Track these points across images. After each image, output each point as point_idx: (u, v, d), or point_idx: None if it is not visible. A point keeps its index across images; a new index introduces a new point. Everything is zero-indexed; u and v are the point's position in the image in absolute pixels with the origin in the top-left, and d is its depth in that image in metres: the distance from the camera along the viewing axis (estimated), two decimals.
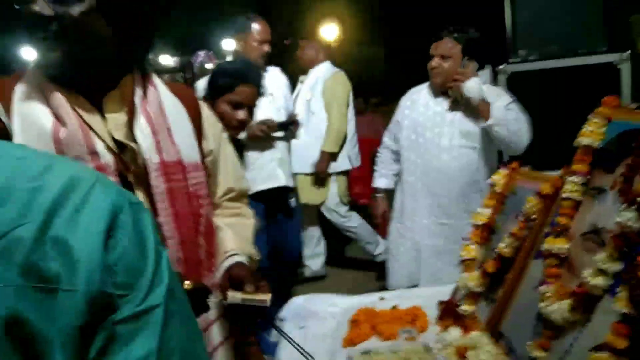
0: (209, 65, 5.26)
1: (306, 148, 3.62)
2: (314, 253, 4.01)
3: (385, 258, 2.77)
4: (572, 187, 1.26)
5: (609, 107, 1.27)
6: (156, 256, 0.57)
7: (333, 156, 3.76)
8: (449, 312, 1.58)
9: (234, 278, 1.13)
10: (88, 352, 0.52)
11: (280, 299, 1.84)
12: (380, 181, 2.79)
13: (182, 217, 1.06)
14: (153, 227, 0.59)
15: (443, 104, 2.50)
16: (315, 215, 3.98)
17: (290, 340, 1.21)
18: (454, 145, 2.46)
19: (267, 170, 2.94)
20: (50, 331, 0.49)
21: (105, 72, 1.00)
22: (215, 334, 1.15)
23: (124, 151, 1.01)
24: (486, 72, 2.88)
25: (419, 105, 2.58)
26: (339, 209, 3.90)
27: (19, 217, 0.50)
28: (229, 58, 3.16)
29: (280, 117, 3.03)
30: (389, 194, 2.81)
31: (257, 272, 1.18)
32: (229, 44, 6.75)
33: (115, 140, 1.01)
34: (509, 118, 2.35)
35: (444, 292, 1.71)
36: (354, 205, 4.22)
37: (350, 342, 1.56)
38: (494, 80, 3.05)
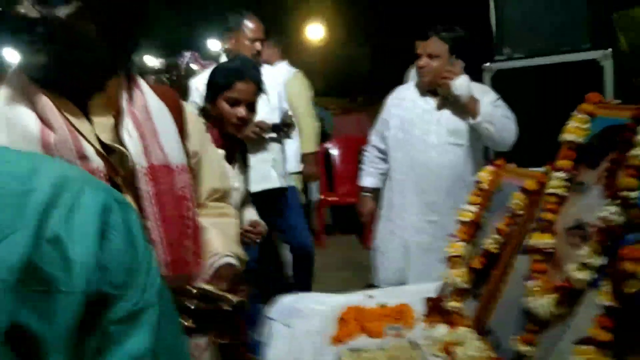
0: (195, 66, 5.23)
1: None
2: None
3: (374, 255, 2.77)
4: (556, 182, 1.27)
5: (592, 104, 1.28)
6: (147, 255, 0.58)
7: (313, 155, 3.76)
8: (435, 309, 1.58)
9: (221, 278, 1.12)
10: (84, 352, 0.52)
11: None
12: (367, 180, 2.80)
13: (170, 220, 1.06)
14: (140, 226, 0.59)
15: (430, 102, 2.52)
16: None
17: None
18: (441, 142, 2.47)
19: (260, 171, 2.87)
20: (48, 333, 0.49)
21: (91, 74, 0.99)
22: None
23: (111, 155, 1.01)
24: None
25: (407, 104, 2.60)
26: None
27: (12, 222, 0.49)
28: (223, 58, 3.08)
29: (274, 117, 2.99)
30: (376, 192, 2.82)
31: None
32: (214, 45, 6.73)
33: (102, 144, 1.00)
34: (497, 115, 2.38)
35: (431, 289, 1.72)
36: (341, 205, 4.23)
37: (338, 340, 1.56)
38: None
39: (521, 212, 1.42)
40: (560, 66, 2.90)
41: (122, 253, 0.55)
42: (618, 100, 1.27)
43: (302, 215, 3.20)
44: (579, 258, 1.07)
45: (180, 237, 1.08)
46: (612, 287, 0.97)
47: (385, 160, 2.70)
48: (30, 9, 0.89)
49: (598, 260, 1.04)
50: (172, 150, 1.08)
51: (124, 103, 1.03)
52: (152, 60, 7.98)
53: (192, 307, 0.96)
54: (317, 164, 3.74)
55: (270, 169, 2.95)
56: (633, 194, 1.00)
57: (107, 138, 1.00)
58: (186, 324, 0.95)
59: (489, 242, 1.48)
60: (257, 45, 2.98)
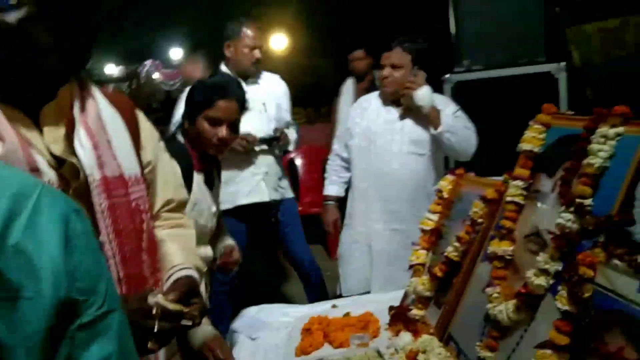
0: (156, 75, 5.15)
1: None
2: None
3: (338, 265, 2.77)
4: (515, 191, 1.30)
5: (547, 114, 1.32)
6: (104, 262, 0.61)
7: None
8: (399, 317, 1.59)
9: (178, 291, 1.09)
10: (54, 357, 0.53)
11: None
12: (331, 189, 2.80)
13: (125, 234, 1.02)
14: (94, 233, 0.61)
15: (393, 112, 2.55)
16: None
17: None
18: (404, 152, 2.50)
19: (250, 184, 2.82)
20: (13, 340, 0.50)
21: (42, 82, 0.95)
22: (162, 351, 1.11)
23: (62, 166, 0.96)
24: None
25: (370, 114, 2.62)
26: None
27: None
28: (223, 68, 2.92)
29: (271, 128, 2.88)
30: (340, 201, 2.82)
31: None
32: (176, 53, 6.65)
33: (53, 155, 0.96)
34: (458, 125, 2.42)
35: (396, 298, 1.73)
36: (305, 215, 4.21)
37: (303, 351, 1.56)
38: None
39: (481, 220, 1.44)
40: (517, 78, 2.99)
41: (85, 259, 0.56)
42: (572, 112, 1.32)
43: (298, 228, 3.07)
44: (537, 264, 1.10)
45: (135, 251, 1.04)
46: (569, 292, 1.00)
47: (348, 169, 2.71)
48: None
49: (555, 266, 1.07)
50: (127, 161, 1.05)
51: (77, 112, 0.99)
52: (112, 69, 7.83)
53: (155, 330, 0.93)
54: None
55: (261, 182, 2.85)
56: (587, 202, 1.03)
57: (58, 149, 0.95)
58: (150, 345, 0.92)
59: (451, 250, 1.50)
60: (257, 52, 2.87)
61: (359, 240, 2.61)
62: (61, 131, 0.97)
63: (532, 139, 1.31)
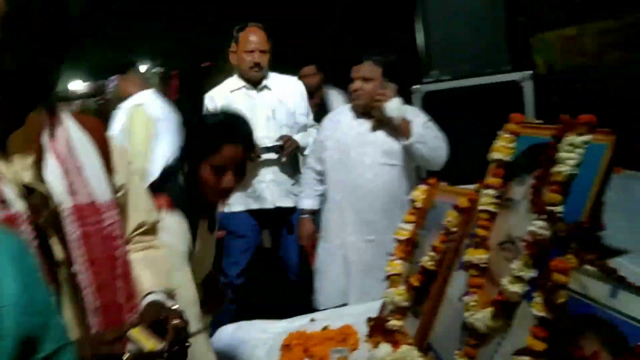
0: None
1: None
2: None
3: (315, 277, 2.76)
4: (487, 199, 1.33)
5: (516, 123, 1.35)
6: (51, 296, 0.61)
7: None
8: (378, 329, 1.59)
9: (146, 319, 1.06)
10: None
11: None
12: (306, 202, 2.80)
13: (99, 263, 0.99)
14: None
15: (365, 124, 2.57)
16: None
17: None
18: (376, 163, 2.53)
19: (256, 191, 2.85)
20: None
21: (9, 110, 0.91)
22: None
23: (32, 195, 0.93)
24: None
25: (342, 126, 2.64)
26: None
27: None
28: (234, 78, 2.86)
29: (278, 135, 2.84)
30: (315, 214, 2.82)
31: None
32: (143, 68, 6.57)
33: (23, 185, 0.92)
34: (429, 135, 2.46)
35: (374, 309, 1.73)
36: None
37: None
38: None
39: (455, 229, 1.46)
40: (484, 87, 3.04)
41: (38, 295, 0.56)
42: (540, 120, 1.35)
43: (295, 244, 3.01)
44: (511, 271, 1.12)
45: (110, 279, 1.01)
46: (544, 298, 1.01)
47: (322, 181, 2.72)
48: None
49: (529, 273, 1.09)
50: (98, 187, 1.02)
51: (46, 139, 0.96)
52: (77, 85, 7.68)
53: None
54: None
55: (264, 189, 2.86)
56: (558, 209, 1.06)
57: (27, 177, 0.92)
58: None
59: (426, 259, 1.51)
60: (255, 56, 2.80)
61: (335, 252, 2.61)
62: (30, 159, 0.94)
63: (503, 148, 1.33)
